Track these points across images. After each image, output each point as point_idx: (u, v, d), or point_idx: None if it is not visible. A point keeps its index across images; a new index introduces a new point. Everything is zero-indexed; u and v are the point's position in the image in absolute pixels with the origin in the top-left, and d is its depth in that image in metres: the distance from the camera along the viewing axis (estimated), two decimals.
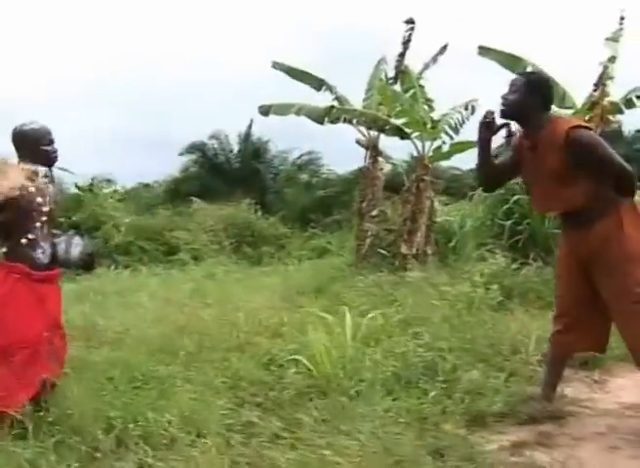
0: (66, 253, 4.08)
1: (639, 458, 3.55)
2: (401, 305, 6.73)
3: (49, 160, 4.09)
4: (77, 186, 17.12)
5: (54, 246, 4.08)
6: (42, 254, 3.99)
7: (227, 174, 23.42)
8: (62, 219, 4.09)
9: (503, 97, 4.04)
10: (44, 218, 4.02)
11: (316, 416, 3.96)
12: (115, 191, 19.59)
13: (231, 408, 4.21)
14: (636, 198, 4.04)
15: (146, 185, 28.77)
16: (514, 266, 7.79)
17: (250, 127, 23.62)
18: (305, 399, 4.30)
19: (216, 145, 24.05)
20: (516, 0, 43.03)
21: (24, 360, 3.73)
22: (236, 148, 24.36)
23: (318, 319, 5.51)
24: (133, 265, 14.14)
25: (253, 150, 24.00)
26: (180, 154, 23.92)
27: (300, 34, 43.28)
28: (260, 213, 18.69)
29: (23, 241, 3.92)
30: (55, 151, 4.09)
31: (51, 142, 4.07)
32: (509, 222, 8.54)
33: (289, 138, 27.60)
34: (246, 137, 24.03)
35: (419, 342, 5.19)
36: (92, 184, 17.62)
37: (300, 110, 10.80)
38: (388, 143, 11.30)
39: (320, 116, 10.55)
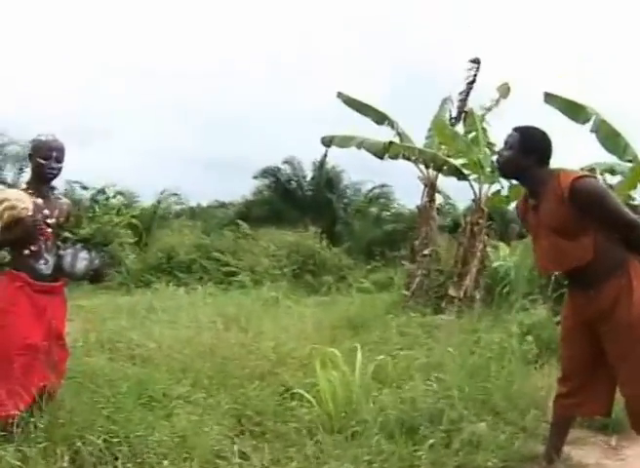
0: (72, 268, 4.16)
1: None
2: (430, 349, 6.65)
3: (41, 174, 4.13)
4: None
5: (59, 258, 4.16)
6: (44, 266, 4.09)
7: (299, 200, 23.64)
8: (69, 233, 4.15)
9: (499, 154, 3.96)
10: (49, 230, 4.12)
11: (307, 453, 3.95)
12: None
13: (229, 435, 4.22)
14: None
15: (222, 205, 29.31)
16: (556, 319, 7.56)
17: (325, 156, 23.76)
18: (304, 434, 4.27)
19: (289, 171, 24.32)
20: (585, 44, 42.14)
21: (23, 367, 3.84)
22: (309, 175, 24.57)
23: (335, 356, 5.46)
24: (192, 283, 14.39)
25: (326, 179, 24.15)
26: (255, 177, 24.33)
27: (377, 68, 43.58)
28: (325, 242, 18.72)
29: (26, 252, 4.03)
30: (50, 167, 4.09)
31: (49, 158, 4.08)
32: (556, 274, 8.30)
33: (363, 170, 27.63)
34: (320, 166, 24.20)
35: (432, 388, 5.10)
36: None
37: (361, 144, 10.86)
38: (453, 184, 11.25)
39: (380, 151, 10.58)
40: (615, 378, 3.86)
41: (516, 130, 3.92)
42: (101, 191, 21.12)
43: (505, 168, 3.97)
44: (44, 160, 4.07)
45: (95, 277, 4.44)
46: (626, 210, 3.75)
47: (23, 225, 3.95)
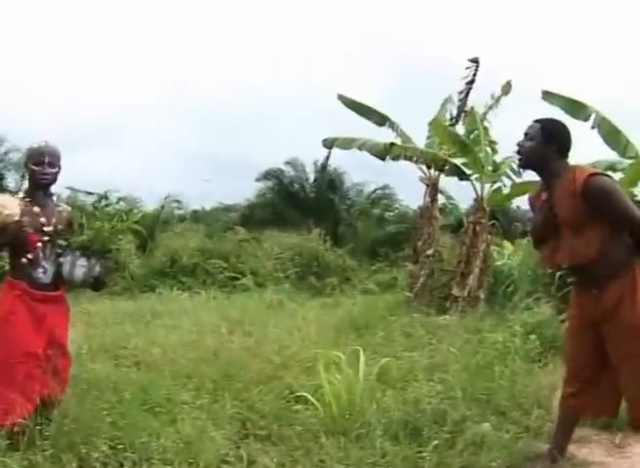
0: (70, 275, 4.09)
1: None
2: (434, 349, 6.66)
3: (35, 180, 4.09)
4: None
5: (58, 265, 4.10)
6: (43, 274, 4.04)
7: (302, 202, 23.61)
8: (66, 240, 4.03)
9: (519, 145, 3.95)
10: (46, 238, 4.06)
11: (312, 457, 3.96)
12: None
13: (233, 439, 4.24)
14: None
15: (226, 208, 29.32)
16: (560, 318, 7.54)
17: (327, 158, 23.72)
18: (309, 437, 4.28)
19: (291, 173, 24.31)
20: (583, 44, 42.28)
21: (25, 375, 3.83)
22: (312, 177, 24.54)
23: (339, 358, 5.47)
24: (196, 287, 14.40)
25: (328, 181, 24.13)
26: (257, 180, 24.30)
27: (378, 69, 43.81)
28: (329, 243, 18.71)
29: (23, 260, 3.98)
30: (43, 173, 4.04)
31: (41, 163, 4.03)
32: (560, 272, 8.27)
33: (365, 171, 27.61)
34: (322, 168, 24.17)
35: (436, 389, 5.11)
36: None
37: (363, 145, 10.88)
38: (455, 184, 11.25)
39: (381, 152, 10.60)
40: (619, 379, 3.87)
41: (537, 121, 3.94)
42: (104, 197, 21.15)
43: (527, 158, 3.96)
44: (36, 166, 4.04)
45: (95, 284, 4.29)
46: (635, 210, 3.75)
47: (9, 231, 3.87)
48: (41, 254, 4.05)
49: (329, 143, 11.54)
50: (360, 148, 10.92)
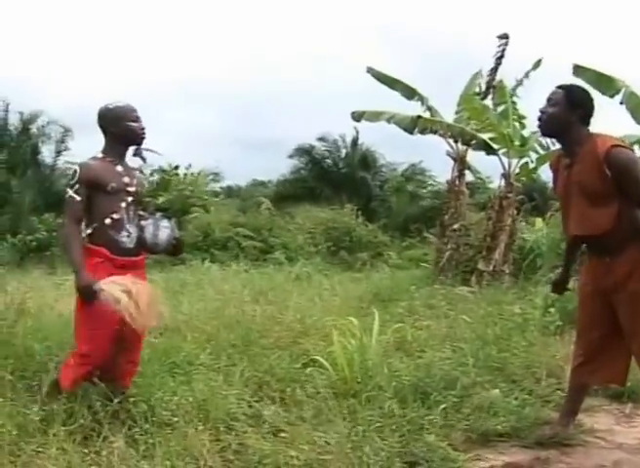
0: (154, 238, 3.89)
1: None
2: (454, 320, 6.72)
3: (136, 136, 3.93)
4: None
5: (141, 229, 3.90)
6: (127, 238, 3.84)
7: (334, 178, 23.73)
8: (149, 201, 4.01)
9: (542, 111, 3.88)
10: (130, 199, 3.87)
11: (320, 417, 4.06)
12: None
13: (247, 399, 4.35)
14: None
15: (261, 183, 29.60)
16: None
17: (357, 133, 23.77)
18: (319, 398, 4.37)
19: (323, 148, 24.41)
20: (613, 18, 41.37)
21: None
22: (344, 153, 24.63)
23: (354, 326, 5.54)
24: (228, 261, 14.55)
25: (361, 157, 24.19)
26: (290, 157, 24.47)
27: (408, 44, 43.72)
28: (361, 219, 18.80)
29: (107, 221, 3.77)
30: (142, 128, 3.93)
31: (137, 119, 3.91)
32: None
33: (400, 148, 27.58)
34: (353, 144, 24.24)
35: (449, 356, 5.19)
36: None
37: (391, 118, 10.87)
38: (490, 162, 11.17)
39: (409, 125, 10.59)
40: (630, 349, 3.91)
41: (561, 87, 3.90)
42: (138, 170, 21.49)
43: (549, 124, 3.90)
44: (134, 122, 3.89)
45: (176, 248, 4.05)
46: None
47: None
48: (125, 216, 3.85)
49: (357, 116, 11.55)
50: (388, 121, 10.91)
